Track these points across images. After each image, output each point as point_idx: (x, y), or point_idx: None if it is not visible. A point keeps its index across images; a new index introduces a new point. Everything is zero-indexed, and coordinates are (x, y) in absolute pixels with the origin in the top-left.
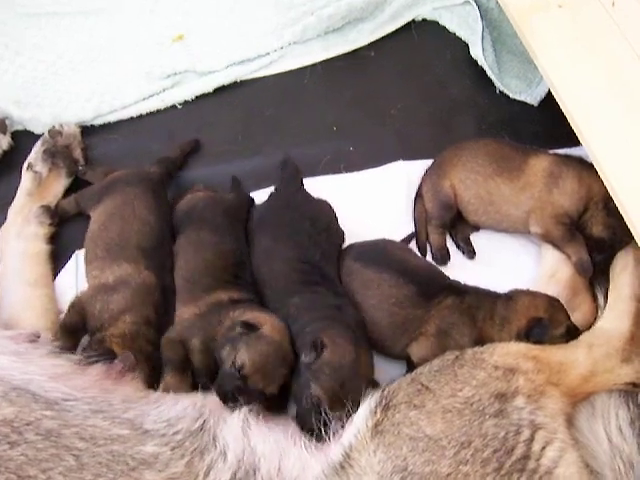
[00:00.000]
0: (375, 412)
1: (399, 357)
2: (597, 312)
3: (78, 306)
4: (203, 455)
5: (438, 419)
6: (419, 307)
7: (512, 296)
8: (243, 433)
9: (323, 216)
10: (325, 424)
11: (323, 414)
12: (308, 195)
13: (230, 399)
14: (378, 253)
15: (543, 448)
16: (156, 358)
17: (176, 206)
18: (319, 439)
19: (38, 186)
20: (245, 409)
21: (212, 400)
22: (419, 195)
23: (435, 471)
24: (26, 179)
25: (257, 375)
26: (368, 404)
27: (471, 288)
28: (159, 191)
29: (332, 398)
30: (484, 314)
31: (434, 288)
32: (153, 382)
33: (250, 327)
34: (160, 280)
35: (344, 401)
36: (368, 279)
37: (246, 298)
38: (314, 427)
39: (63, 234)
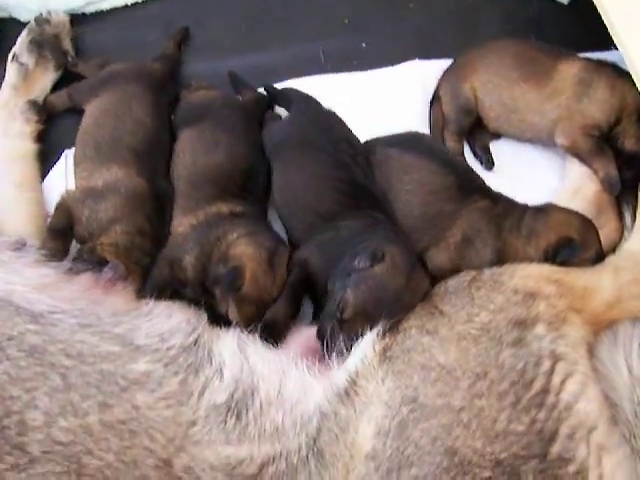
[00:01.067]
0: (384, 335)
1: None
2: (623, 232)
3: (64, 207)
4: (198, 372)
5: (452, 347)
6: (453, 202)
7: (544, 209)
8: (240, 350)
9: (355, 138)
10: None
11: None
12: (336, 116)
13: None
14: (416, 141)
15: (563, 381)
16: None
17: (185, 99)
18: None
19: (24, 79)
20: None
21: (205, 317)
22: (436, 97)
23: (447, 404)
24: (11, 72)
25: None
26: (375, 329)
27: (503, 196)
28: (159, 91)
29: (359, 312)
30: (511, 224)
31: (472, 186)
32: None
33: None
34: (153, 187)
35: (366, 323)
36: (407, 163)
37: (250, 212)
38: (327, 335)
39: (51, 132)
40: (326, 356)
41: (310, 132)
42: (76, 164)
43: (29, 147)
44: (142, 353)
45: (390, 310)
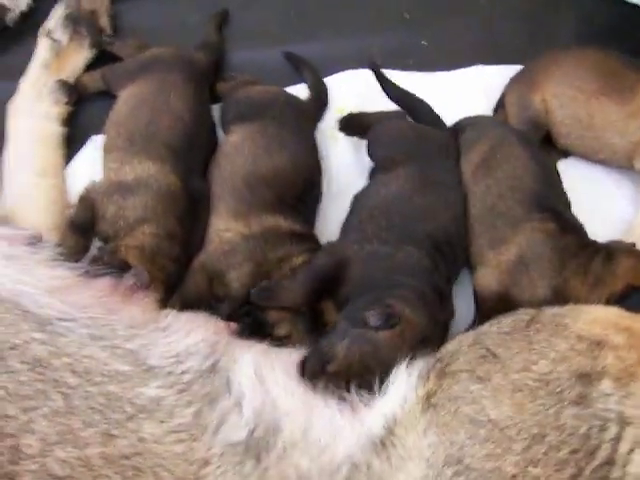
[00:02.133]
0: (428, 378)
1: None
2: None
3: (88, 201)
4: (214, 404)
5: (506, 399)
6: (521, 208)
7: (613, 254)
8: (259, 380)
9: None
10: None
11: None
12: None
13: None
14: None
15: (631, 451)
16: (177, 279)
17: (244, 93)
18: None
19: (56, 57)
20: (260, 346)
21: (225, 334)
22: (500, 107)
23: (498, 469)
24: (42, 48)
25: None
26: (419, 367)
27: (576, 226)
28: (201, 84)
29: (342, 371)
30: (577, 265)
31: (547, 202)
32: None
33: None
34: (187, 187)
35: (347, 380)
36: (511, 152)
37: (308, 234)
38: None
39: (80, 116)
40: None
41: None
42: (106, 152)
43: (55, 130)
44: (154, 375)
45: (379, 370)
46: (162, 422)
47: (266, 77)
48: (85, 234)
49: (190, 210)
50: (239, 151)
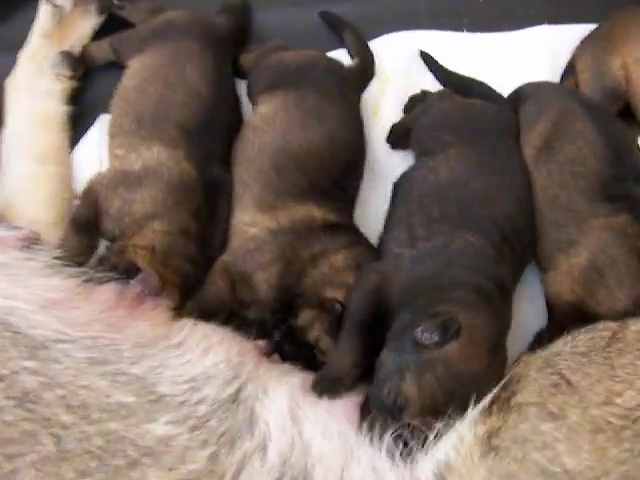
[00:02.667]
0: (490, 412)
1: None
2: None
3: (91, 195)
4: (234, 445)
5: (585, 443)
6: (587, 200)
7: None
8: (292, 416)
9: None
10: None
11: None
12: None
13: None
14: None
15: None
16: (194, 282)
17: (276, 58)
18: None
19: (58, 25)
20: (300, 375)
21: (252, 354)
22: (570, 73)
23: None
24: (42, 15)
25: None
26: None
27: None
28: (223, 52)
29: (425, 407)
30: None
31: (617, 187)
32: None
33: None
34: (204, 176)
35: (438, 413)
36: (578, 128)
37: (346, 224)
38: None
39: (88, 92)
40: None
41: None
42: (110, 136)
43: (57, 109)
44: (163, 408)
45: (466, 396)
46: (171, 470)
47: (299, 42)
48: (89, 233)
49: (207, 203)
50: (269, 125)
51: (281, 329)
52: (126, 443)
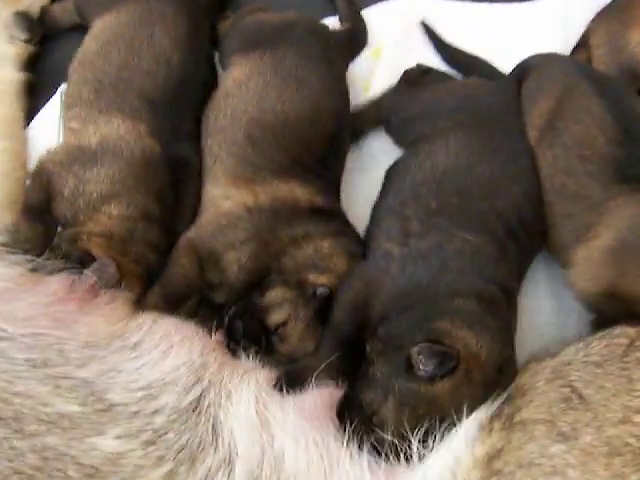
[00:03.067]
0: (490, 429)
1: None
2: None
3: (42, 175)
4: (195, 462)
5: (600, 468)
6: (600, 184)
7: None
8: (262, 423)
9: None
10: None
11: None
12: None
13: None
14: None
15: None
16: (156, 267)
17: (251, 18)
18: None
19: None
20: (266, 373)
21: (217, 353)
22: (583, 47)
23: None
24: None
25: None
26: (477, 413)
27: None
28: (201, 18)
29: (397, 434)
30: None
31: (630, 167)
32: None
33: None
34: (170, 154)
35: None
36: (584, 105)
37: (333, 210)
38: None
39: (48, 58)
40: None
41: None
42: (67, 107)
43: (11, 77)
44: (113, 419)
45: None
46: None
47: (286, 9)
48: (43, 220)
49: (172, 184)
50: (242, 91)
51: (239, 306)
52: (66, 461)
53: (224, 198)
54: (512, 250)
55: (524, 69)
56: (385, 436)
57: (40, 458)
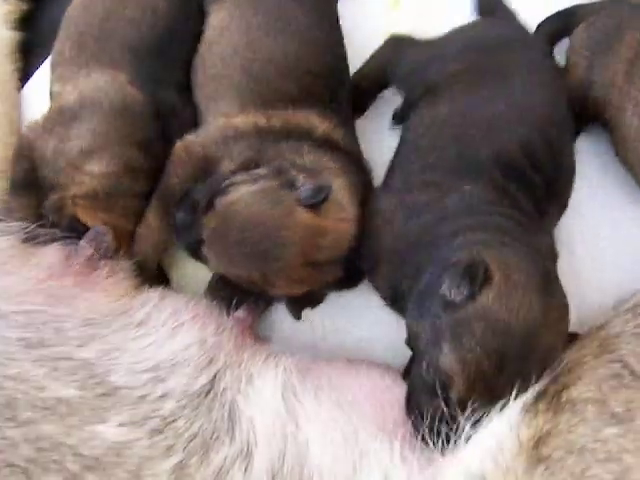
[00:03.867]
0: (536, 410)
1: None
2: None
3: (25, 146)
4: (208, 452)
5: None
6: None
7: None
8: (288, 412)
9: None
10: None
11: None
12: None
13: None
14: None
15: None
16: None
17: None
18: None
19: None
20: (296, 357)
21: (234, 330)
22: None
23: None
24: None
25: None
26: (522, 389)
27: None
28: None
29: (472, 381)
30: None
31: None
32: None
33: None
34: (153, 102)
35: (494, 394)
36: None
37: (349, 150)
38: (426, 419)
39: (44, 15)
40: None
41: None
42: (52, 68)
43: (2, 36)
44: (117, 404)
45: (525, 367)
46: None
47: None
48: (30, 190)
49: (161, 132)
50: (225, 36)
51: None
52: (64, 452)
53: (235, 116)
54: (516, 189)
55: (571, 15)
56: (455, 399)
57: (34, 449)
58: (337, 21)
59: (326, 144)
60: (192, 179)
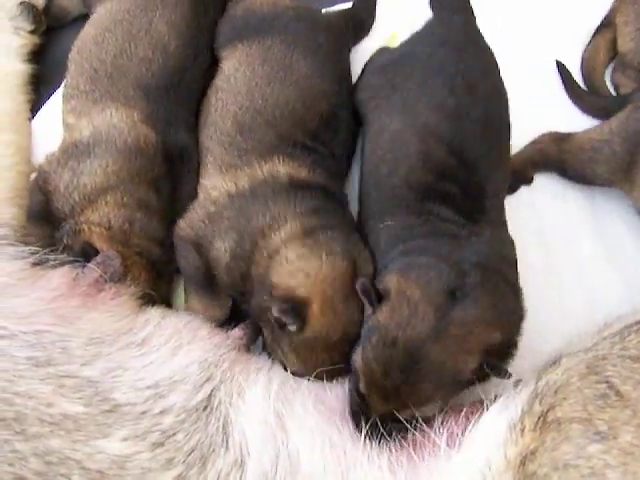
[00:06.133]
0: (522, 428)
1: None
2: None
3: (41, 178)
4: (205, 463)
5: None
6: None
7: None
8: (277, 423)
9: (497, 73)
10: None
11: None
12: (479, 33)
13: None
14: None
15: None
16: (163, 265)
17: (242, 6)
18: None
19: None
20: (281, 370)
21: (229, 348)
22: (606, 26)
23: None
24: None
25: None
26: (507, 407)
27: None
28: (204, 4)
29: (370, 383)
30: None
31: None
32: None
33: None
34: (166, 142)
35: (387, 396)
36: None
37: (319, 182)
38: (359, 416)
39: (55, 49)
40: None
41: (447, 55)
42: (65, 100)
43: (16, 69)
44: (120, 420)
45: (409, 378)
46: None
47: None
48: (46, 220)
49: (169, 173)
50: (231, 84)
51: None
52: (71, 466)
53: (213, 188)
54: (435, 205)
55: None
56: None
57: (43, 462)
58: (346, 70)
59: (290, 186)
60: (198, 255)
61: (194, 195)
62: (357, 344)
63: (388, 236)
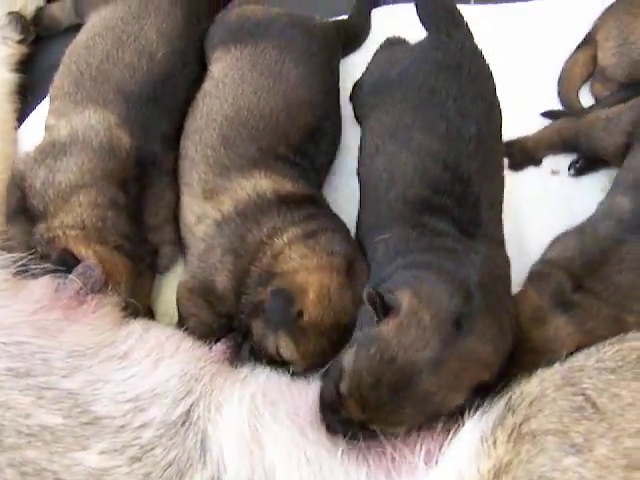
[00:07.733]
0: (494, 440)
1: None
2: None
3: (17, 176)
4: (182, 478)
5: None
6: None
7: None
8: (252, 437)
9: (491, 93)
10: None
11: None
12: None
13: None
14: None
15: None
16: (136, 257)
17: (233, 11)
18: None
19: None
20: (261, 383)
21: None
22: (587, 43)
23: None
24: None
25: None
26: (481, 419)
27: None
28: (197, 14)
29: (353, 392)
30: None
31: None
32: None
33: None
34: (141, 149)
35: (368, 406)
36: None
37: (304, 194)
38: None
39: (43, 58)
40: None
41: (439, 79)
42: (50, 100)
43: (3, 78)
44: (98, 433)
45: (395, 398)
46: None
47: (300, 6)
48: (24, 217)
49: (138, 177)
50: (219, 89)
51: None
52: (47, 477)
53: (197, 222)
54: (432, 220)
55: None
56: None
57: (18, 473)
58: (334, 81)
59: (279, 201)
60: (209, 309)
61: (170, 200)
62: (349, 344)
63: (385, 248)
